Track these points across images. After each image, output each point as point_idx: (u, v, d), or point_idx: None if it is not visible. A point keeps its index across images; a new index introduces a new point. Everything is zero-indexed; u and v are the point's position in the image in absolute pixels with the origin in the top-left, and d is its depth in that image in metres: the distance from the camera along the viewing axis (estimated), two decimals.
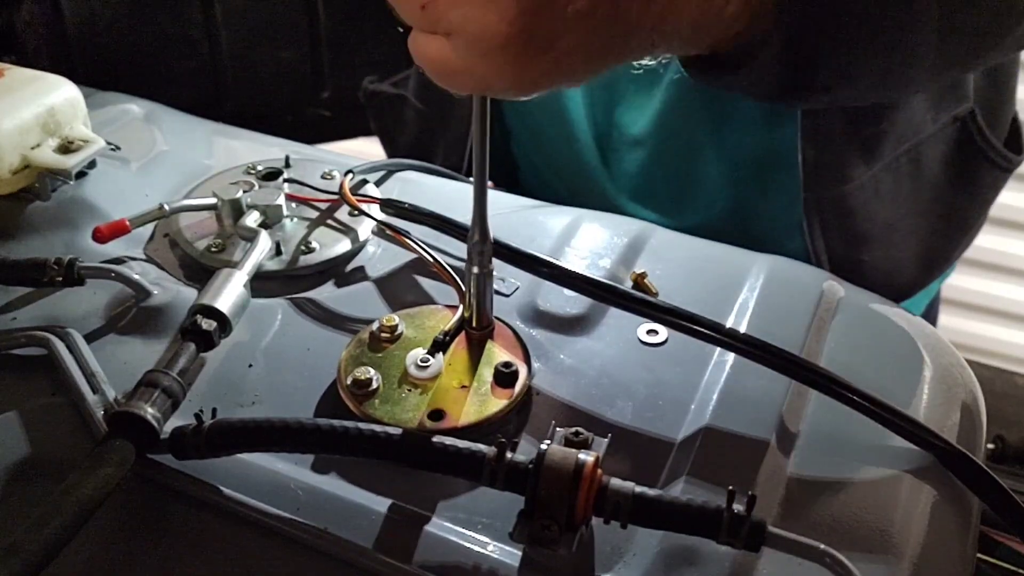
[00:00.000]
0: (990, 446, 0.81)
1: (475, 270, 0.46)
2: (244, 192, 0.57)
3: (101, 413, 0.44)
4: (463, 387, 0.46)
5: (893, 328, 0.52)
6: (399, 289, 0.54)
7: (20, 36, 0.78)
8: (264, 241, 0.54)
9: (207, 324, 0.47)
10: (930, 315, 0.87)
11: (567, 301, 0.52)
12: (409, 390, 0.45)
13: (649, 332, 0.50)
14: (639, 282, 0.53)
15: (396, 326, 0.48)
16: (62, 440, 0.45)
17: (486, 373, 0.46)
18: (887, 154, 0.68)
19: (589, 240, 0.57)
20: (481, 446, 0.39)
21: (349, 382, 0.45)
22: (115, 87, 0.72)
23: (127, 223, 0.55)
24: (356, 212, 0.57)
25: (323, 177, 0.61)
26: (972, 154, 0.73)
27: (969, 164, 0.74)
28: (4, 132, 0.57)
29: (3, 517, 0.41)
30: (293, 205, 0.59)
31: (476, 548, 0.39)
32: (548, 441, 0.39)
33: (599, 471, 0.38)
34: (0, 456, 0.44)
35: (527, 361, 0.47)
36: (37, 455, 0.44)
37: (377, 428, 0.40)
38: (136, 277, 0.53)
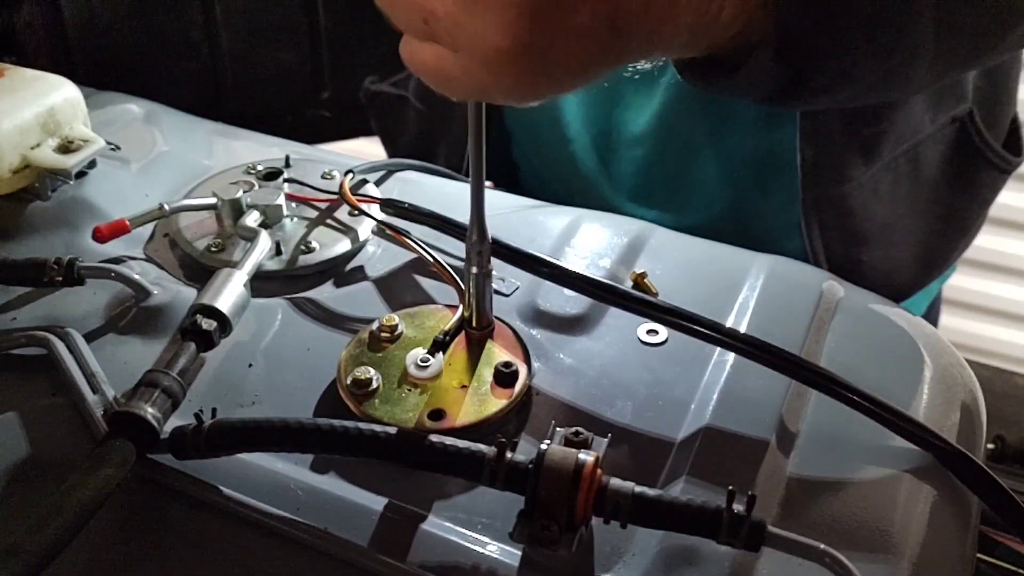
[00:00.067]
0: (990, 446, 0.81)
1: (474, 270, 0.46)
2: (244, 192, 0.57)
3: (101, 413, 0.44)
4: (463, 387, 0.46)
5: (893, 328, 0.52)
6: (399, 289, 0.54)
7: (20, 36, 0.78)
8: (264, 241, 0.54)
9: (207, 324, 0.47)
10: (931, 316, 0.87)
11: (567, 301, 0.52)
12: (409, 390, 0.45)
13: (649, 332, 0.50)
14: (639, 282, 0.53)
15: (396, 326, 0.48)
16: (62, 440, 0.45)
17: (486, 373, 0.46)
18: (886, 154, 0.68)
19: (589, 240, 0.57)
20: (481, 446, 0.39)
21: (349, 382, 0.45)
22: (115, 87, 0.72)
23: (127, 223, 0.55)
24: (356, 212, 0.57)
25: (323, 177, 0.61)
26: (970, 155, 0.73)
27: (967, 165, 0.74)
28: (4, 132, 0.57)
29: (3, 517, 0.41)
30: (293, 205, 0.59)
31: (476, 548, 0.39)
32: (548, 441, 0.39)
33: (599, 471, 0.38)
34: (0, 456, 0.44)
35: (527, 361, 0.47)
36: (37, 455, 0.44)
37: (377, 428, 0.40)
38: (136, 277, 0.53)
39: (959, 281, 1.69)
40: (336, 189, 0.58)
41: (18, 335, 0.49)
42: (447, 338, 0.47)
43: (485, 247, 0.45)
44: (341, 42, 0.90)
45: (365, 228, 0.58)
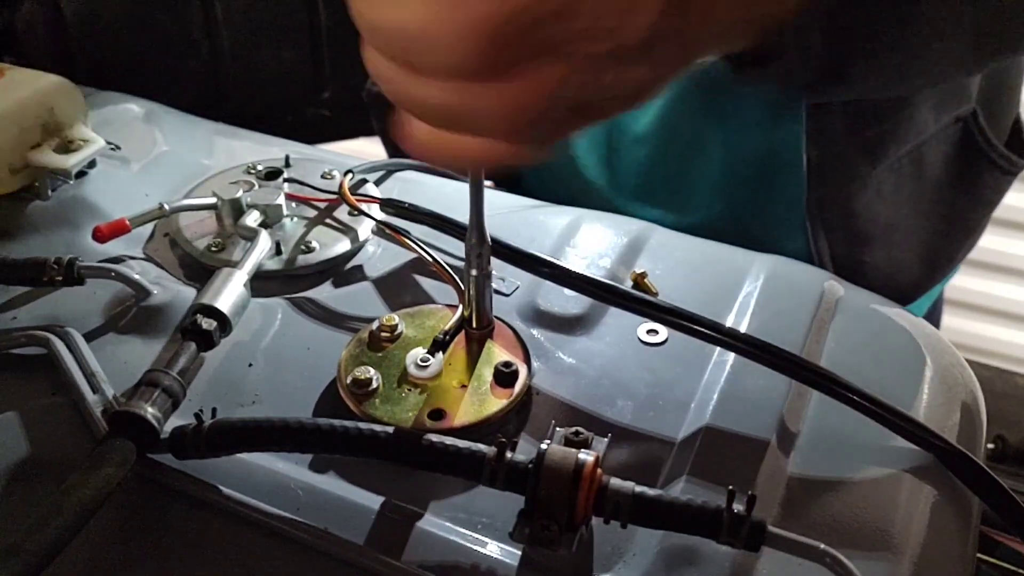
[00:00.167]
0: (990, 446, 0.81)
1: (473, 272, 0.46)
2: (244, 192, 0.57)
3: (101, 413, 0.44)
4: (463, 387, 0.46)
5: (893, 328, 0.52)
6: (399, 289, 0.54)
7: (20, 36, 0.78)
8: (264, 241, 0.54)
9: (207, 324, 0.47)
10: (933, 316, 0.87)
11: (567, 301, 0.52)
12: (409, 390, 0.45)
13: (649, 332, 0.50)
14: (639, 282, 0.53)
15: (396, 326, 0.48)
16: (62, 440, 0.45)
17: (486, 373, 0.46)
18: (890, 154, 0.68)
19: (589, 240, 0.57)
20: (481, 446, 0.39)
21: (349, 381, 0.45)
22: (115, 87, 0.72)
23: (127, 223, 0.55)
24: (356, 212, 0.57)
25: (323, 177, 0.61)
26: (974, 155, 0.73)
27: (971, 165, 0.74)
28: (4, 132, 0.57)
29: (3, 517, 0.41)
30: (293, 205, 0.59)
31: (476, 548, 0.39)
32: (548, 441, 0.39)
33: (599, 471, 0.38)
34: (0, 456, 0.44)
35: (527, 361, 0.47)
36: (37, 455, 0.44)
37: (377, 428, 0.40)
38: (136, 277, 0.53)
39: (960, 281, 1.69)
40: (336, 189, 0.58)
41: (18, 335, 0.49)
42: (447, 338, 0.47)
43: (485, 249, 0.45)
44: (341, 41, 0.90)
45: (365, 228, 0.58)
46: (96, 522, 0.38)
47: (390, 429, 0.40)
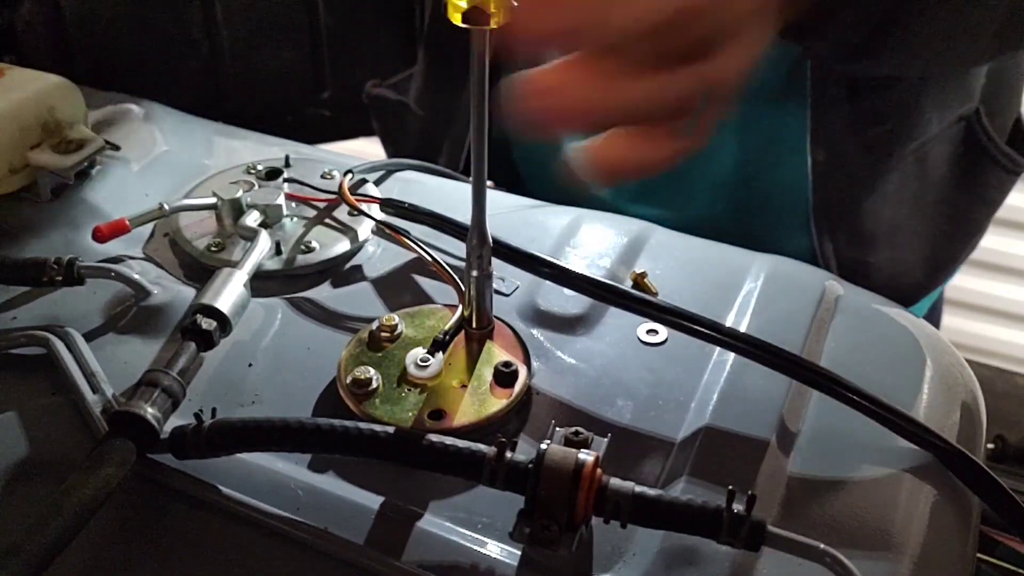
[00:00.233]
0: (990, 446, 0.81)
1: (474, 273, 0.46)
2: (244, 192, 0.57)
3: (101, 413, 0.44)
4: (463, 387, 0.46)
5: (893, 328, 0.52)
6: (399, 289, 0.54)
7: (20, 36, 0.78)
8: (264, 241, 0.54)
9: (207, 324, 0.47)
10: (933, 317, 0.87)
11: (567, 301, 0.52)
12: (409, 390, 0.45)
13: (649, 332, 0.50)
14: (639, 282, 0.53)
15: (396, 326, 0.48)
16: (62, 440, 0.45)
17: (486, 373, 0.46)
18: (895, 155, 0.68)
19: (589, 240, 0.57)
20: (481, 446, 0.39)
21: (349, 381, 0.45)
22: (115, 87, 0.72)
23: (127, 223, 0.55)
24: (355, 212, 0.57)
25: (323, 177, 0.61)
26: (977, 154, 0.73)
27: (974, 164, 0.74)
28: (4, 132, 0.57)
29: (3, 517, 0.41)
30: (293, 205, 0.59)
31: (476, 548, 0.39)
32: (548, 441, 0.39)
33: (599, 471, 0.38)
34: (0, 456, 0.44)
35: (527, 361, 0.47)
36: (37, 455, 0.44)
37: (377, 428, 0.40)
38: (136, 277, 0.53)
39: (961, 281, 1.69)
40: (336, 189, 0.58)
41: (18, 335, 0.49)
42: (447, 338, 0.47)
43: (486, 250, 0.45)
44: (341, 41, 0.90)
45: (365, 228, 0.58)
46: (96, 522, 0.38)
47: (390, 429, 0.40)
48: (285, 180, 0.61)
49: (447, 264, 0.52)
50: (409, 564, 0.39)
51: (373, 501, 0.41)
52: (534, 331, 0.51)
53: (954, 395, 0.49)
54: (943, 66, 0.63)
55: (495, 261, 0.47)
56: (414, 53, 0.84)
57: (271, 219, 0.57)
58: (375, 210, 0.57)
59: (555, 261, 0.50)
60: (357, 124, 0.96)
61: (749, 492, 0.36)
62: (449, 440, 0.40)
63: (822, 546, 0.37)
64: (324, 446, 0.41)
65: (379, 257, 0.57)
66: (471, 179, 0.44)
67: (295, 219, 0.58)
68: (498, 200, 0.61)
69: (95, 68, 0.79)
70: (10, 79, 0.60)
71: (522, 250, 0.50)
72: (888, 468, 0.43)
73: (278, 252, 0.55)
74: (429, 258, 0.53)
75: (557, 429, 0.41)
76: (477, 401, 0.45)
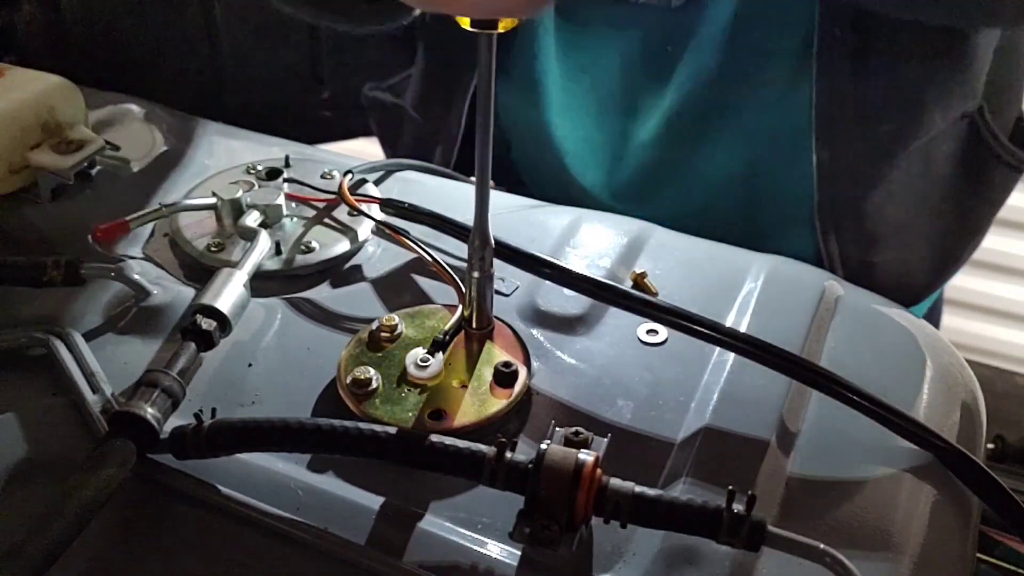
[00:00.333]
0: (990, 446, 0.81)
1: (476, 274, 0.46)
2: (244, 192, 0.57)
3: (101, 413, 0.44)
4: (463, 387, 0.46)
5: (893, 327, 0.52)
6: (399, 289, 0.54)
7: (20, 36, 0.78)
8: (264, 241, 0.54)
9: (207, 324, 0.47)
10: (932, 317, 0.87)
11: (567, 301, 0.52)
12: (409, 390, 0.45)
13: (649, 332, 0.50)
14: (639, 282, 0.53)
15: (396, 326, 0.48)
16: (62, 440, 0.45)
17: (486, 373, 0.46)
18: (899, 153, 0.68)
19: (589, 240, 0.57)
20: (481, 446, 0.39)
21: (349, 381, 0.45)
22: (115, 87, 0.72)
23: (127, 223, 0.55)
24: (355, 212, 0.57)
25: (323, 177, 0.61)
26: (981, 151, 0.73)
27: (978, 162, 0.74)
28: (4, 132, 0.57)
29: (4, 517, 0.41)
30: (293, 205, 0.59)
31: (476, 548, 0.39)
32: (548, 441, 0.39)
33: (599, 471, 0.38)
34: (0, 456, 0.44)
35: (527, 361, 0.47)
36: (37, 455, 0.44)
37: (377, 428, 0.40)
38: (136, 277, 0.53)
39: (960, 281, 1.69)
40: (336, 189, 0.58)
41: (18, 335, 0.49)
42: (447, 338, 0.47)
43: (488, 251, 0.45)
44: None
45: (365, 228, 0.58)
46: (97, 522, 0.38)
47: (390, 429, 0.40)
48: (285, 180, 0.61)
49: (447, 264, 0.52)
50: (409, 564, 0.39)
51: (373, 501, 0.41)
52: (534, 331, 0.51)
53: (954, 395, 0.49)
54: (974, 18, 0.62)
55: (495, 261, 0.47)
56: (412, 54, 0.84)
57: (271, 219, 0.57)
58: (375, 210, 0.57)
59: (555, 261, 0.50)
60: (357, 124, 0.96)
61: (749, 492, 0.36)
62: (449, 440, 0.40)
63: (822, 546, 0.37)
64: (324, 446, 0.41)
65: (379, 257, 0.57)
66: (474, 180, 0.44)
67: (295, 219, 0.58)
68: (498, 200, 0.61)
69: (95, 68, 0.79)
70: (10, 79, 0.60)
71: (522, 250, 0.50)
72: (888, 468, 0.43)
73: (278, 252, 0.55)
74: (429, 258, 0.53)
75: (557, 429, 0.41)
76: (477, 401, 0.45)
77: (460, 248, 0.54)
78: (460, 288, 0.49)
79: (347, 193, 0.56)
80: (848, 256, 0.70)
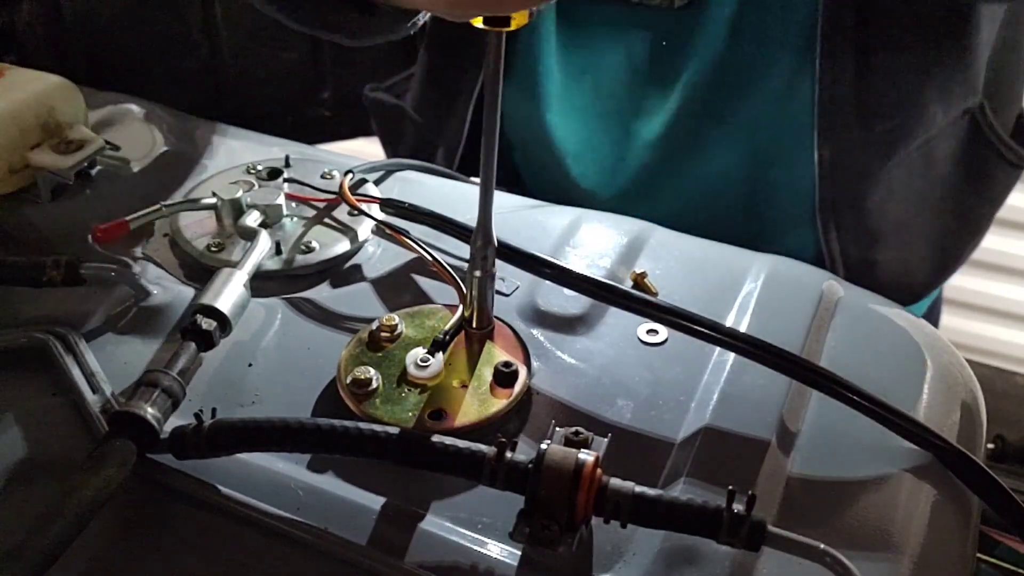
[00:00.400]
0: (990, 446, 0.81)
1: (477, 273, 0.46)
2: (244, 192, 0.57)
3: (101, 413, 0.44)
4: (463, 387, 0.46)
5: (893, 327, 0.52)
6: (399, 289, 0.54)
7: (20, 36, 0.78)
8: (264, 241, 0.54)
9: (207, 324, 0.47)
10: (932, 316, 0.87)
11: (567, 301, 0.52)
12: (409, 390, 0.45)
13: (649, 332, 0.50)
14: (639, 282, 0.53)
15: (396, 326, 0.48)
16: (62, 440, 0.45)
17: (486, 373, 0.46)
18: (901, 150, 0.68)
19: (589, 240, 0.57)
20: (481, 446, 0.39)
21: (349, 381, 0.45)
22: (115, 87, 0.72)
23: (127, 223, 0.55)
24: (356, 212, 0.57)
25: (323, 177, 0.61)
26: (982, 148, 0.73)
27: (979, 159, 0.74)
28: (4, 132, 0.57)
29: (4, 517, 0.41)
30: (293, 205, 0.59)
31: (476, 548, 0.39)
32: (548, 441, 0.39)
33: (599, 471, 0.38)
34: (0, 456, 0.44)
35: (527, 361, 0.47)
36: (37, 455, 0.44)
37: (377, 428, 0.40)
38: (136, 277, 0.53)
39: (960, 281, 1.69)
40: (336, 189, 0.58)
41: (18, 335, 0.49)
42: (447, 338, 0.47)
43: (490, 251, 0.45)
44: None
45: (365, 228, 0.58)
46: (97, 523, 0.38)
47: (390, 429, 0.40)
48: (285, 180, 0.61)
49: (447, 264, 0.52)
50: (409, 564, 0.39)
51: (373, 501, 0.41)
52: (534, 331, 0.51)
53: (954, 395, 0.49)
54: None
55: (496, 261, 0.47)
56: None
57: (271, 219, 0.57)
58: (375, 210, 0.57)
59: (555, 261, 0.50)
60: (357, 124, 0.96)
61: (749, 492, 0.36)
62: (449, 440, 0.40)
63: (822, 546, 0.37)
64: (324, 446, 0.41)
65: (379, 257, 0.57)
66: (475, 180, 0.44)
67: (295, 219, 0.58)
68: (498, 200, 0.61)
69: (95, 68, 0.79)
70: (10, 79, 0.60)
71: (523, 250, 0.50)
72: (888, 468, 0.43)
73: (278, 252, 0.55)
74: (429, 258, 0.53)
75: (557, 429, 0.41)
76: (477, 401, 0.45)
77: (460, 248, 0.54)
78: (460, 288, 0.49)
79: (348, 193, 0.56)
80: (849, 254, 0.70)
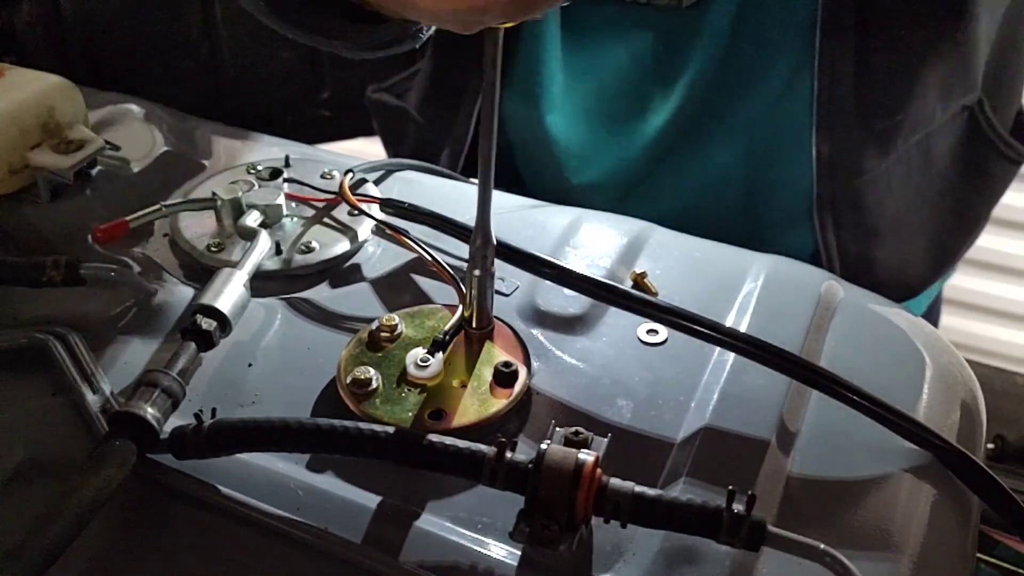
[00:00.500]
0: (990, 445, 0.81)
1: (477, 272, 0.46)
2: (244, 192, 0.57)
3: (101, 413, 0.44)
4: (463, 387, 0.46)
5: (892, 327, 0.52)
6: (399, 289, 0.54)
7: (20, 36, 0.78)
8: (264, 241, 0.54)
9: (207, 324, 0.47)
10: (932, 315, 0.87)
11: (567, 301, 0.52)
12: (409, 390, 0.45)
13: (649, 332, 0.50)
14: (639, 282, 0.53)
15: (396, 326, 0.48)
16: (62, 440, 0.45)
17: (486, 373, 0.46)
18: (899, 146, 0.68)
19: (589, 240, 0.57)
20: (481, 446, 0.39)
21: (349, 381, 0.45)
22: (115, 87, 0.72)
23: (127, 223, 0.55)
24: (356, 212, 0.57)
25: (323, 177, 0.61)
26: (980, 144, 0.73)
27: (977, 155, 0.74)
28: (4, 132, 0.57)
29: (3, 518, 0.41)
30: (293, 205, 0.59)
31: (476, 548, 0.39)
32: (548, 441, 0.39)
33: (599, 471, 0.38)
34: (0, 456, 0.44)
35: (527, 361, 0.47)
36: (37, 455, 0.44)
37: (377, 428, 0.40)
38: (136, 277, 0.53)
39: (959, 281, 1.69)
40: (336, 189, 0.58)
41: (18, 335, 0.49)
42: (447, 338, 0.47)
43: (490, 250, 0.45)
44: None
45: (365, 228, 0.58)
46: (96, 523, 0.38)
47: (390, 429, 0.40)
48: (285, 180, 0.61)
49: (447, 264, 0.52)
50: (409, 564, 0.39)
51: (373, 501, 0.41)
52: (534, 331, 0.51)
53: (954, 395, 0.49)
54: None
55: (495, 261, 0.47)
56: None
57: (271, 219, 0.57)
58: (375, 210, 0.57)
59: (555, 261, 0.50)
60: (357, 124, 0.96)
61: (749, 492, 0.36)
62: (449, 440, 0.40)
63: (822, 546, 0.37)
64: (324, 446, 0.41)
65: (379, 257, 0.57)
66: (478, 180, 0.44)
67: (295, 219, 0.58)
68: (498, 200, 0.61)
69: (95, 68, 0.79)
70: (10, 79, 0.60)
71: (522, 250, 0.50)
72: (888, 468, 0.43)
73: (278, 252, 0.55)
74: (429, 258, 0.53)
75: (557, 429, 0.41)
76: (477, 401, 0.45)
77: (460, 248, 0.54)
78: (460, 288, 0.49)
79: (348, 193, 0.56)
80: (846, 250, 0.70)
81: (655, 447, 0.45)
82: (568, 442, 0.40)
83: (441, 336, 0.46)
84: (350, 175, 0.59)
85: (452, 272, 0.51)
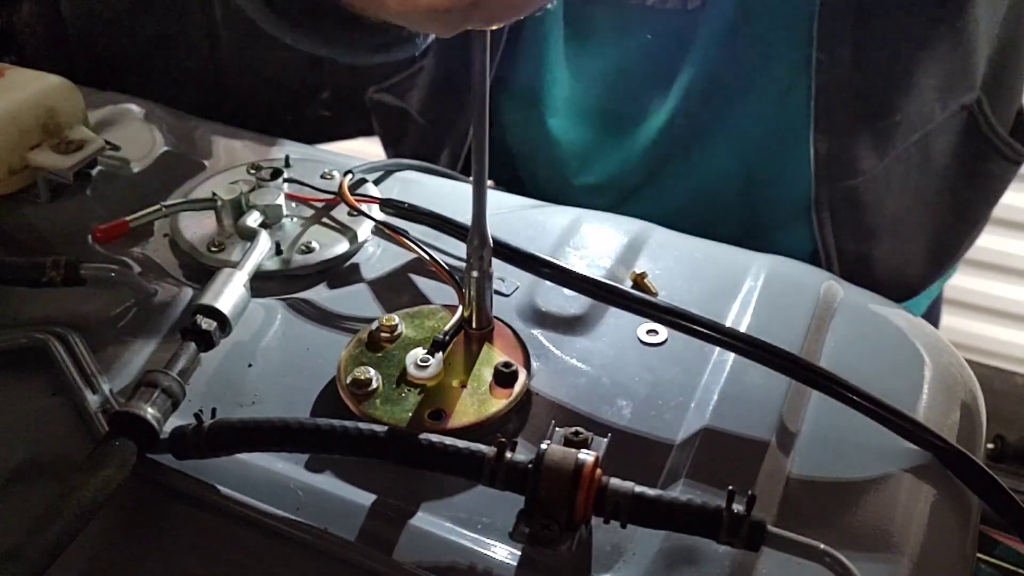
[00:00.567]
0: (990, 445, 0.81)
1: (474, 274, 0.46)
2: (244, 192, 0.57)
3: (101, 413, 0.44)
4: (462, 387, 0.46)
5: (892, 328, 0.52)
6: (398, 289, 0.54)
7: (20, 36, 0.78)
8: (264, 241, 0.54)
9: (207, 324, 0.47)
10: (932, 316, 0.87)
11: (567, 301, 0.52)
12: (409, 390, 0.45)
13: (649, 332, 0.50)
14: (639, 282, 0.53)
15: (396, 326, 0.48)
16: (62, 440, 0.45)
17: (486, 373, 0.46)
18: (898, 145, 0.68)
19: (589, 240, 0.57)
20: (481, 446, 0.39)
21: (349, 382, 0.45)
22: (115, 87, 0.72)
23: (127, 223, 0.55)
24: (355, 212, 0.57)
25: (323, 177, 0.61)
26: (979, 143, 0.73)
27: (976, 154, 0.74)
28: (4, 132, 0.57)
29: (3, 518, 0.41)
30: (293, 205, 0.59)
31: (476, 548, 0.39)
32: (548, 441, 0.39)
33: (599, 471, 0.38)
34: (0, 456, 0.44)
35: (526, 361, 0.47)
36: (37, 455, 0.44)
37: (377, 428, 0.40)
38: (136, 277, 0.53)
39: (960, 281, 1.69)
40: (336, 189, 0.58)
41: (18, 335, 0.49)
42: (447, 338, 0.47)
43: (487, 251, 0.45)
44: None
45: (364, 228, 0.58)
46: (96, 523, 0.38)
47: (390, 429, 0.40)
48: (285, 180, 0.61)
49: (447, 264, 0.52)
50: (409, 564, 0.39)
51: (372, 501, 0.41)
52: (534, 331, 0.51)
53: (954, 395, 0.49)
54: None
55: (495, 261, 0.47)
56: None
57: (271, 219, 0.57)
58: (375, 210, 0.57)
59: (555, 261, 0.50)
60: (356, 124, 0.96)
61: (749, 492, 0.36)
62: (449, 440, 0.40)
63: (822, 546, 0.37)
64: (324, 446, 0.41)
65: (379, 257, 0.57)
66: (471, 179, 0.44)
67: (295, 219, 0.58)
68: (498, 200, 0.61)
69: (95, 68, 0.79)
70: (10, 79, 0.60)
71: (522, 250, 0.50)
72: (888, 468, 0.43)
73: (278, 252, 0.55)
74: (429, 258, 0.53)
75: (557, 429, 0.41)
76: (477, 401, 0.45)
77: (460, 248, 0.54)
78: (460, 288, 0.49)
79: (347, 193, 0.56)
80: (845, 249, 0.70)
81: (655, 447, 0.45)
82: (568, 442, 0.40)
83: (441, 336, 0.46)
84: (350, 175, 0.59)
85: (451, 272, 0.51)
